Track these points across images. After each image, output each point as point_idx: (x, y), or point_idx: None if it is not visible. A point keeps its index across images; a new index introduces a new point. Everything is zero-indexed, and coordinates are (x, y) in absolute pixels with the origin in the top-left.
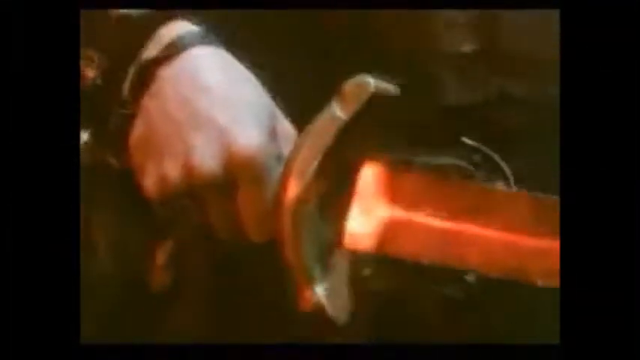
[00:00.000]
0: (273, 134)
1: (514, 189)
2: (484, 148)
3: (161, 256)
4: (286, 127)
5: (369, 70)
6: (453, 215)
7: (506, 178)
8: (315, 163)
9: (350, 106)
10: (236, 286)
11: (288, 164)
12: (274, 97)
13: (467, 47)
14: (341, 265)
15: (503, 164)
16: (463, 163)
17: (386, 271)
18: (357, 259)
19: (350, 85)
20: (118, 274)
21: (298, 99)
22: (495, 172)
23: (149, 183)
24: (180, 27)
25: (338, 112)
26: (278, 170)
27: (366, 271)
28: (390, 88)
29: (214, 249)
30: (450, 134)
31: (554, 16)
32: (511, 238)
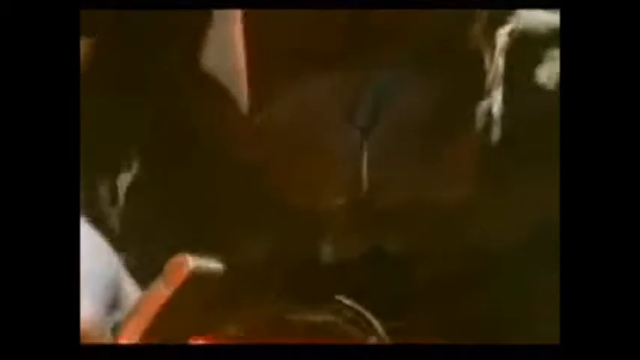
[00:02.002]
0: (113, 304)
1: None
2: (357, 306)
3: None
4: (133, 295)
5: (244, 232)
6: None
7: (379, 336)
8: (137, 337)
9: (171, 283)
10: None
11: (116, 336)
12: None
13: (340, 200)
14: None
15: (375, 322)
16: (337, 320)
17: None
18: None
19: (170, 264)
20: None
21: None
22: (369, 329)
23: None
24: None
25: (162, 287)
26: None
27: None
28: (212, 266)
29: None
30: (325, 292)
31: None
32: None
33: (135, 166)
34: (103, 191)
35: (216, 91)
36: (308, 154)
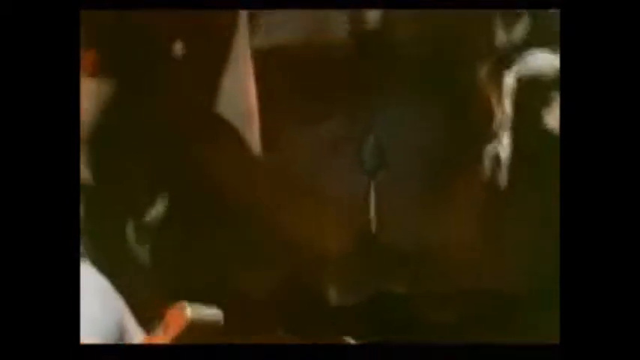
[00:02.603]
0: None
1: None
2: (366, 346)
3: None
4: (137, 334)
5: (253, 271)
6: None
7: None
8: None
9: (171, 331)
10: None
11: None
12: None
13: (347, 242)
14: None
15: None
16: None
17: None
18: None
19: (170, 313)
20: None
21: None
22: None
23: None
24: None
25: (161, 335)
26: None
27: None
28: (211, 314)
29: None
30: (332, 333)
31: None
32: None
33: (150, 207)
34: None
35: (228, 133)
36: (316, 196)
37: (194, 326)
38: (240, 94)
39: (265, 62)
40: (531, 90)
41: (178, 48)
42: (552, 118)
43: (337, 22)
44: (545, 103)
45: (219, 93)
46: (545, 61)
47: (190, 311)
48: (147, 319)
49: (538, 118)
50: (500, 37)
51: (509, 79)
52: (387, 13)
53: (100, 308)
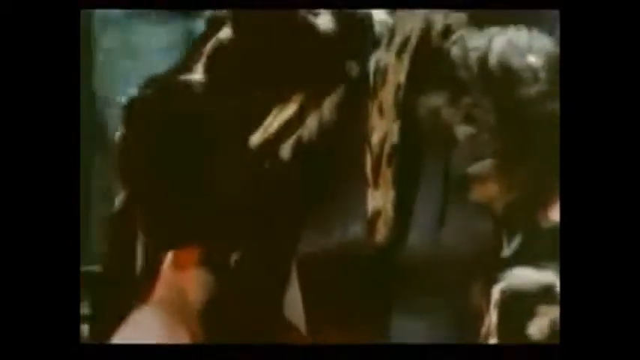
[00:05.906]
0: None
1: None
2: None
3: None
4: None
5: None
6: None
7: None
8: None
9: None
10: None
11: None
12: None
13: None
14: None
15: None
16: None
17: None
18: None
19: None
20: None
21: None
22: None
23: None
24: None
25: None
26: None
27: None
28: None
29: None
30: None
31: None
32: None
33: None
34: None
35: (288, 327)
36: None
37: None
38: (294, 293)
39: (304, 267)
40: (516, 302)
41: (234, 258)
42: (536, 328)
43: (357, 235)
44: (530, 314)
45: (279, 295)
46: (528, 276)
47: None
48: None
49: (523, 328)
50: (496, 254)
51: (496, 293)
52: (397, 228)
53: None
